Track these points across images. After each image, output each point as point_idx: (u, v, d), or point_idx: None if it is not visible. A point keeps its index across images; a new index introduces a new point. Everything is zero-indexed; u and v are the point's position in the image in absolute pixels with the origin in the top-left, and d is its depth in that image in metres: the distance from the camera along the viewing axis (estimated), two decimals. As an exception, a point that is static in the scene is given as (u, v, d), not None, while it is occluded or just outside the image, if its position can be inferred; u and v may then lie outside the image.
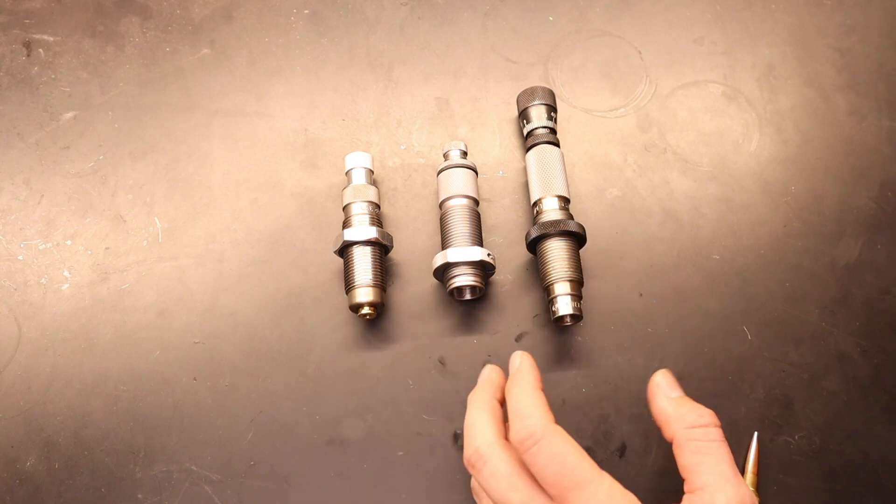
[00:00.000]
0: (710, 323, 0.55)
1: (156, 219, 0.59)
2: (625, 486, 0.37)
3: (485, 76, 0.65)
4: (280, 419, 0.52)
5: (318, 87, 0.65)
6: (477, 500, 0.45)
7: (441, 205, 0.56)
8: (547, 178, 0.56)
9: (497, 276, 0.57)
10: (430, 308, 0.56)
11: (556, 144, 0.58)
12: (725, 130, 0.63)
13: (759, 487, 0.51)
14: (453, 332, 0.55)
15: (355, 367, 0.54)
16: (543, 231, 0.53)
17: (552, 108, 0.60)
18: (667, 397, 0.42)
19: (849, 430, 0.52)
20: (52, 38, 0.67)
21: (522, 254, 0.57)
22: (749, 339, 0.55)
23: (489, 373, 0.46)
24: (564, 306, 0.51)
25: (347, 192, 0.56)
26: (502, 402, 0.43)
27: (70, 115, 0.63)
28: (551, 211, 0.55)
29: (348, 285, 0.53)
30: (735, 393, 0.53)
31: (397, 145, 0.62)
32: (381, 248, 0.54)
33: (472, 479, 0.46)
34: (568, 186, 0.56)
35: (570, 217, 0.55)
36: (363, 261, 0.53)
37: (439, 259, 0.53)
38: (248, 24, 0.67)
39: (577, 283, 0.52)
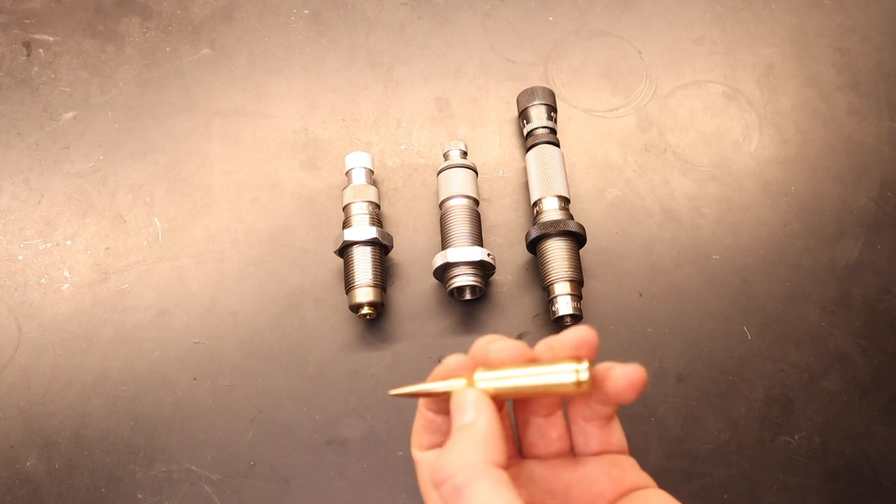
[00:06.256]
0: (710, 323, 0.55)
1: (156, 219, 0.59)
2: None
3: (485, 76, 0.65)
4: (280, 419, 0.52)
5: (318, 87, 0.65)
6: None
7: (441, 205, 0.56)
8: (547, 178, 0.56)
9: (497, 276, 0.57)
10: (430, 308, 0.56)
11: (556, 144, 0.58)
12: (725, 130, 0.63)
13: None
14: (453, 332, 0.55)
15: (355, 367, 0.54)
16: (543, 231, 0.53)
17: (552, 108, 0.60)
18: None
19: (849, 430, 0.52)
20: (52, 38, 0.67)
21: (522, 254, 0.57)
22: (749, 339, 0.55)
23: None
24: (564, 306, 0.51)
25: (347, 192, 0.56)
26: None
27: (70, 115, 0.63)
28: (551, 211, 0.55)
29: (348, 285, 0.53)
30: (735, 393, 0.53)
31: (397, 145, 0.62)
32: (381, 248, 0.54)
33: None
34: (568, 186, 0.56)
35: (570, 217, 0.55)
36: (363, 261, 0.53)
37: (439, 259, 0.53)
38: (248, 24, 0.67)
39: (577, 283, 0.52)
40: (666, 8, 0.69)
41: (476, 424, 0.30)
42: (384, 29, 0.67)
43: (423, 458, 0.34)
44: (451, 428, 0.32)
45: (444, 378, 0.33)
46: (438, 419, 0.33)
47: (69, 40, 0.66)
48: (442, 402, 0.33)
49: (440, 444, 0.34)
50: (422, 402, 0.34)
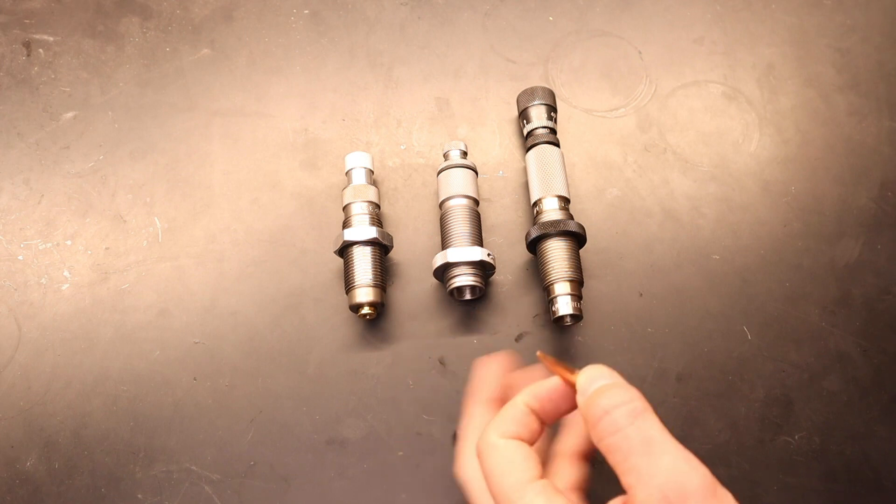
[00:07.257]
0: (710, 323, 0.55)
1: (156, 219, 0.59)
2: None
3: (485, 76, 0.65)
4: (280, 419, 0.52)
5: (318, 87, 0.65)
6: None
7: (441, 205, 0.56)
8: (547, 178, 0.56)
9: (497, 276, 0.57)
10: (430, 308, 0.56)
11: (556, 144, 0.58)
12: (725, 130, 0.63)
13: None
14: (453, 332, 0.55)
15: (355, 367, 0.54)
16: (543, 231, 0.53)
17: (552, 108, 0.60)
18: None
19: (849, 430, 0.52)
20: (52, 38, 0.67)
21: (522, 254, 0.57)
22: (749, 339, 0.55)
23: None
24: (564, 306, 0.51)
25: (347, 192, 0.56)
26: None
27: (70, 115, 0.63)
28: (551, 211, 0.55)
29: (348, 285, 0.53)
30: (735, 393, 0.53)
31: (397, 145, 0.62)
32: (381, 248, 0.54)
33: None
34: (568, 186, 0.56)
35: (570, 217, 0.55)
36: (363, 261, 0.53)
37: (439, 259, 0.53)
38: (248, 24, 0.67)
39: (577, 283, 0.52)
40: (666, 8, 0.69)
41: (622, 383, 0.36)
42: (384, 29, 0.67)
43: (506, 445, 0.37)
44: (537, 426, 0.38)
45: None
46: (530, 417, 0.38)
47: (69, 40, 0.66)
48: (564, 384, 0.38)
49: (524, 438, 0.38)
50: (529, 396, 0.39)
